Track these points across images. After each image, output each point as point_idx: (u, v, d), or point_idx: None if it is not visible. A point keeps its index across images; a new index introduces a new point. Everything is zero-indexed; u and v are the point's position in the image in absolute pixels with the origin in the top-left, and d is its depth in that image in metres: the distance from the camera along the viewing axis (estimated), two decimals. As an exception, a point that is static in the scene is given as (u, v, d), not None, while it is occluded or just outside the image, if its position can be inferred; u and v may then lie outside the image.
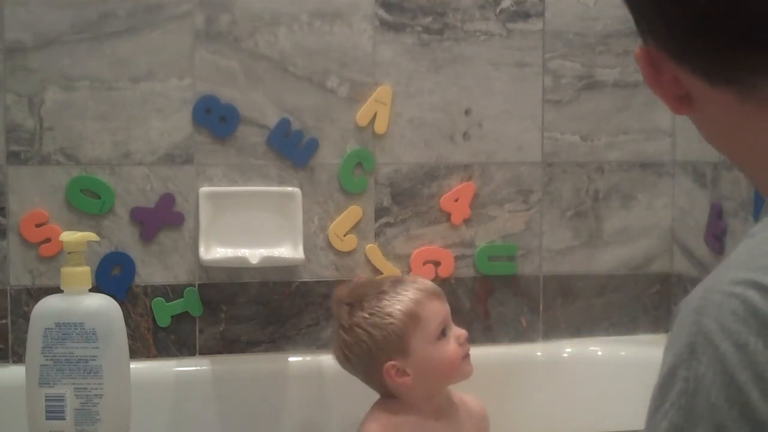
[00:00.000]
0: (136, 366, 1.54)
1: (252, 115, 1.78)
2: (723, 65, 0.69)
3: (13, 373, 1.60)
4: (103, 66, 1.72)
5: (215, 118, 1.76)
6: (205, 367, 1.75)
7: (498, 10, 1.86)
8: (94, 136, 1.73)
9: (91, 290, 1.47)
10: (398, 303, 1.48)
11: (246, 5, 1.77)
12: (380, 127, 1.82)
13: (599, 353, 1.89)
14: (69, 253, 1.46)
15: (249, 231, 1.76)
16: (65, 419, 1.40)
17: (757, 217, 0.71)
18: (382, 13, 1.82)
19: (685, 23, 0.69)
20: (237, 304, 1.79)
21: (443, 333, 1.50)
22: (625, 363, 1.85)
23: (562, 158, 1.91)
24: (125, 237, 1.74)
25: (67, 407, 1.40)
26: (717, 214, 1.78)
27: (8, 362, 1.69)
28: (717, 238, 1.78)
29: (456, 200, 1.86)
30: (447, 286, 1.84)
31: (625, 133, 1.93)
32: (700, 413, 0.60)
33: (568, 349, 1.90)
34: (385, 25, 1.82)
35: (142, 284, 1.75)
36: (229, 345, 1.79)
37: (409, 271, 1.82)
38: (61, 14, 1.70)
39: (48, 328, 1.41)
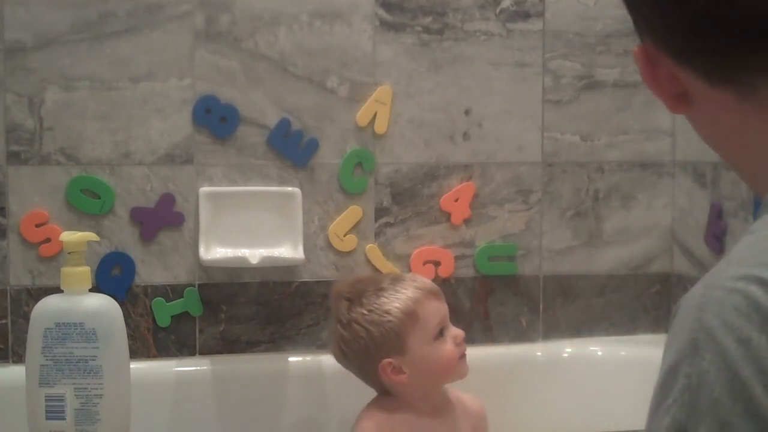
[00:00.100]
0: (136, 366, 1.54)
1: (252, 115, 1.78)
2: (722, 65, 0.69)
3: (13, 373, 1.60)
4: (103, 66, 1.72)
5: (215, 118, 1.76)
6: (205, 367, 1.75)
7: (498, 10, 1.86)
8: (94, 136, 1.73)
9: (91, 290, 1.47)
10: (397, 301, 1.48)
11: (246, 5, 1.77)
12: (380, 127, 1.82)
13: (599, 353, 1.89)
14: (69, 253, 1.46)
15: (249, 231, 1.76)
16: (65, 419, 1.40)
17: (756, 216, 0.71)
18: (382, 13, 1.82)
19: (684, 23, 0.69)
20: (237, 304, 1.79)
21: (441, 332, 1.50)
22: (625, 363, 1.85)
23: (562, 158, 1.91)
24: (125, 237, 1.74)
25: (67, 407, 1.40)
26: (717, 214, 1.78)
27: (8, 362, 1.69)
28: (717, 238, 1.78)
29: (456, 200, 1.86)
30: (447, 286, 1.84)
31: (625, 133, 1.93)
32: (703, 409, 0.60)
33: (568, 349, 1.90)
34: (385, 25, 1.82)
35: (142, 284, 1.75)
36: (229, 345, 1.79)
37: (409, 271, 1.82)
38: (61, 14, 1.70)
39: (48, 328, 1.41)
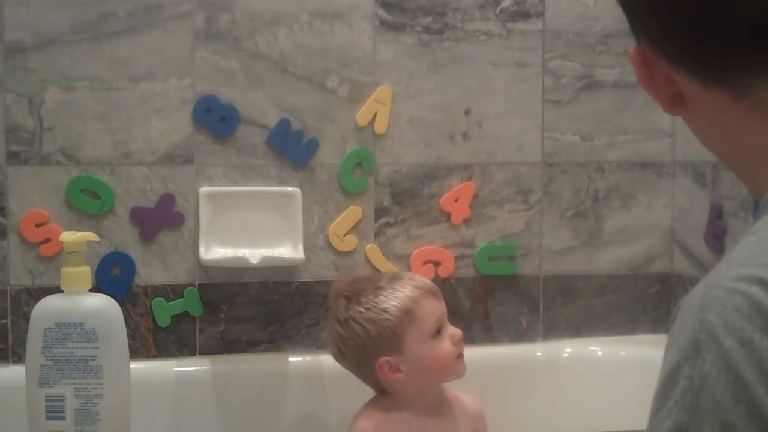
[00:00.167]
0: (136, 366, 1.54)
1: (252, 115, 1.78)
2: (717, 66, 0.69)
3: (13, 373, 1.60)
4: (103, 66, 1.72)
5: (215, 118, 1.76)
6: (205, 367, 1.75)
7: (498, 10, 1.86)
8: (94, 136, 1.73)
9: (91, 290, 1.47)
10: (394, 299, 1.49)
11: (246, 5, 1.77)
12: (380, 127, 1.82)
13: (599, 353, 1.89)
14: (69, 253, 1.46)
15: (249, 231, 1.76)
16: (65, 419, 1.40)
17: (756, 216, 0.71)
18: (382, 13, 1.82)
19: (679, 24, 0.69)
20: (237, 304, 1.79)
21: (438, 331, 1.50)
22: (625, 363, 1.85)
23: (562, 158, 1.91)
24: (125, 237, 1.74)
25: (67, 407, 1.40)
26: (717, 214, 1.78)
27: (8, 362, 1.69)
28: (717, 238, 1.78)
29: (456, 200, 1.86)
30: (447, 286, 1.84)
31: (625, 133, 1.93)
32: (705, 411, 0.59)
33: (568, 349, 1.90)
34: (385, 25, 1.82)
35: (142, 284, 1.75)
36: (229, 345, 1.79)
37: (409, 271, 1.81)
38: (61, 14, 1.70)
39: (48, 328, 1.41)
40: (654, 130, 1.94)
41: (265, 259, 1.72)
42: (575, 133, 1.91)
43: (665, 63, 0.72)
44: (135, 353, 1.68)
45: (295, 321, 1.81)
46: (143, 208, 1.74)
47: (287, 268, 1.79)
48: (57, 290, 1.47)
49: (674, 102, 0.74)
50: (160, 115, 1.75)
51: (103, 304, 1.45)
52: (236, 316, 1.79)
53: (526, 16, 1.87)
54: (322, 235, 1.81)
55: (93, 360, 1.41)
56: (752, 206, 1.68)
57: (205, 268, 1.76)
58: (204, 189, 1.75)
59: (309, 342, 1.81)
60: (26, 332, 1.45)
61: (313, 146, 1.80)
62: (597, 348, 1.90)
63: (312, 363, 1.77)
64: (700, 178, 1.86)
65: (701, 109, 0.73)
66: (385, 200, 1.84)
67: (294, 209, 1.77)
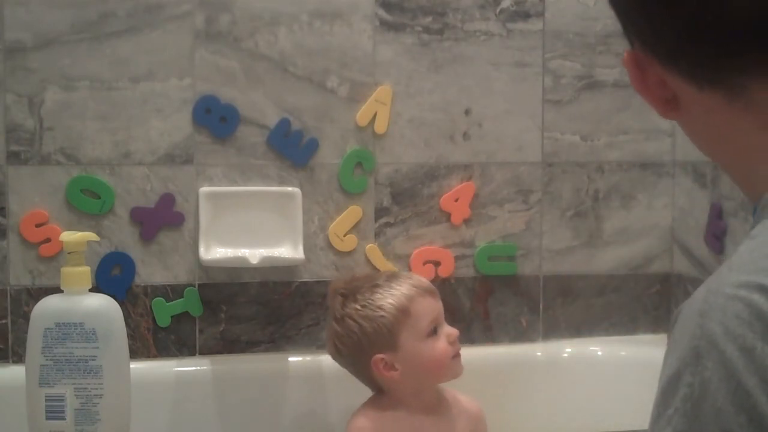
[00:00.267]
0: (136, 366, 1.54)
1: (252, 115, 1.78)
2: (711, 67, 0.69)
3: (13, 373, 1.60)
4: (103, 66, 1.72)
5: (215, 118, 1.76)
6: (205, 367, 1.75)
7: (498, 10, 1.86)
8: (94, 136, 1.73)
9: (91, 290, 1.47)
10: (390, 297, 1.49)
11: (246, 5, 1.77)
12: (380, 127, 1.82)
13: (599, 353, 1.89)
14: (69, 253, 1.46)
15: (249, 231, 1.76)
16: (65, 419, 1.40)
17: (754, 220, 0.71)
18: (382, 13, 1.82)
19: (672, 27, 0.69)
20: (237, 304, 1.79)
21: (434, 331, 1.50)
22: (625, 363, 1.85)
23: (562, 158, 1.91)
24: (125, 237, 1.74)
25: (67, 407, 1.40)
26: (717, 214, 1.78)
27: (8, 362, 1.69)
28: (717, 238, 1.78)
29: (456, 200, 1.86)
30: (447, 286, 1.84)
31: (625, 133, 1.93)
32: (705, 419, 0.59)
33: (568, 349, 1.90)
34: (385, 25, 1.82)
35: (142, 284, 1.75)
36: (229, 345, 1.79)
37: (409, 271, 1.81)
38: (61, 14, 1.70)
39: (48, 328, 1.41)
40: (654, 130, 1.94)
41: (265, 259, 1.72)
42: (575, 133, 1.91)
43: (658, 65, 0.72)
44: (135, 353, 1.68)
45: (295, 321, 1.81)
46: (143, 208, 1.74)
47: (287, 268, 1.79)
48: (57, 290, 1.47)
49: (668, 105, 0.74)
50: (160, 115, 1.75)
51: (103, 304, 1.45)
52: (236, 316, 1.79)
53: (526, 16, 1.87)
54: (322, 235, 1.81)
55: (93, 360, 1.41)
56: (752, 206, 1.68)
57: (205, 268, 1.76)
58: (204, 189, 1.75)
59: (309, 342, 1.81)
60: (26, 332, 1.45)
61: (313, 146, 1.80)
62: (597, 348, 1.90)
63: (312, 363, 1.77)
64: (700, 178, 1.86)
65: (695, 111, 0.73)
66: (385, 200, 1.84)
67: (294, 209, 1.77)
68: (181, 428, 1.72)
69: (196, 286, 1.77)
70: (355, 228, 1.82)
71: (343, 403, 1.66)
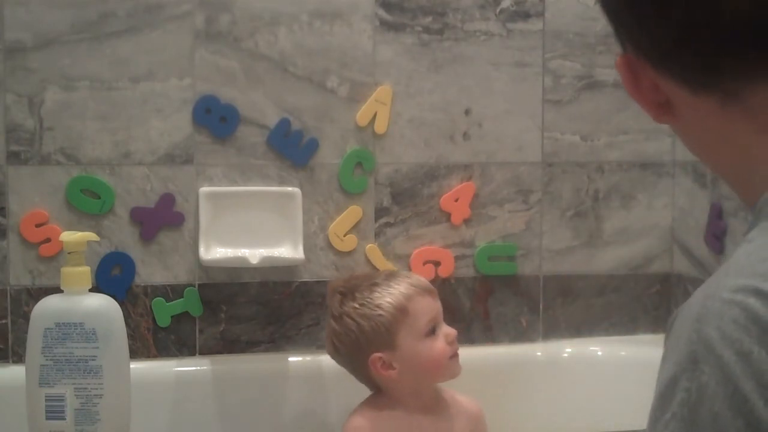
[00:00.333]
0: (136, 366, 1.54)
1: (252, 115, 1.78)
2: (704, 72, 0.69)
3: (13, 373, 1.60)
4: (103, 66, 1.72)
5: (215, 118, 1.76)
6: (205, 367, 1.75)
7: (498, 10, 1.86)
8: (94, 136, 1.73)
9: (91, 290, 1.47)
10: (389, 296, 1.49)
11: (246, 5, 1.77)
12: (380, 127, 1.82)
13: (599, 353, 1.89)
14: (69, 253, 1.46)
15: (249, 231, 1.76)
16: (65, 419, 1.40)
17: (750, 223, 0.70)
18: (382, 13, 1.82)
19: (664, 32, 0.69)
20: (237, 304, 1.79)
21: (433, 331, 1.50)
22: (625, 363, 1.85)
23: (562, 158, 1.91)
24: (125, 237, 1.74)
25: (67, 407, 1.40)
26: (717, 214, 1.78)
27: (8, 362, 1.69)
28: (717, 238, 1.78)
29: (456, 200, 1.86)
30: (447, 286, 1.84)
31: (625, 133, 1.93)
32: (703, 424, 0.59)
33: (568, 349, 1.90)
34: (385, 25, 1.82)
35: (142, 284, 1.75)
36: (229, 345, 1.79)
37: (408, 271, 1.81)
38: (61, 14, 1.70)
39: (48, 328, 1.41)
40: (654, 130, 1.94)
41: (265, 259, 1.72)
42: (575, 133, 1.91)
43: (651, 70, 0.72)
44: (135, 353, 1.68)
45: (295, 321, 1.81)
46: (143, 208, 1.74)
47: (287, 268, 1.79)
48: (57, 290, 1.47)
49: (661, 109, 0.74)
50: (160, 115, 1.75)
51: (103, 304, 1.45)
52: (236, 316, 1.79)
53: (526, 16, 1.87)
54: (322, 235, 1.81)
55: (93, 360, 1.41)
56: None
57: (205, 268, 1.76)
58: (204, 189, 1.75)
59: (309, 342, 1.81)
60: (26, 332, 1.45)
61: (313, 146, 1.80)
62: (597, 348, 1.90)
63: (312, 363, 1.77)
64: (700, 178, 1.86)
65: (689, 115, 0.72)
66: (385, 200, 1.84)
67: (294, 209, 1.77)
68: (181, 428, 1.72)
69: (196, 286, 1.77)
70: (355, 228, 1.82)
71: (343, 403, 1.66)
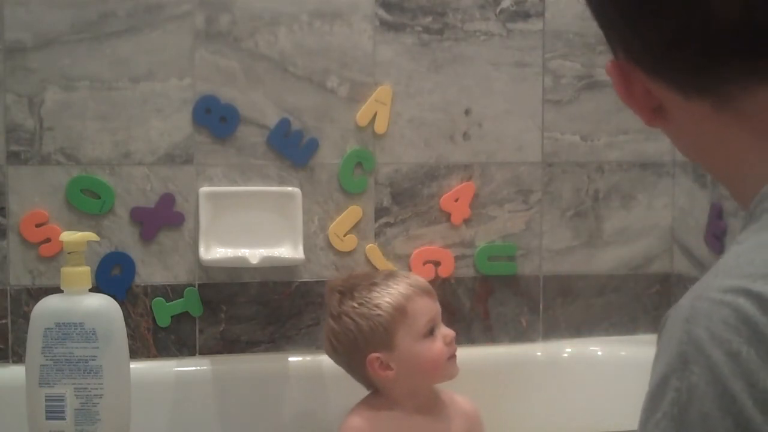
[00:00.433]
0: (136, 366, 1.54)
1: (252, 115, 1.78)
2: (698, 76, 0.69)
3: (13, 373, 1.60)
4: (103, 66, 1.72)
5: (215, 118, 1.76)
6: (205, 367, 1.75)
7: (498, 10, 1.86)
8: (94, 136, 1.73)
9: (91, 290, 1.47)
10: (388, 296, 1.49)
11: (246, 5, 1.77)
12: (380, 127, 1.82)
13: (599, 353, 1.89)
14: (69, 253, 1.46)
15: (249, 231, 1.76)
16: (65, 419, 1.40)
17: (742, 225, 0.71)
18: (382, 13, 1.82)
19: (657, 37, 0.69)
20: (237, 304, 1.79)
21: (431, 331, 1.50)
22: (625, 363, 1.85)
23: (562, 158, 1.91)
24: (125, 237, 1.74)
25: (67, 407, 1.40)
26: (717, 214, 1.78)
27: (8, 362, 1.69)
28: (717, 238, 1.78)
29: (456, 200, 1.86)
30: (447, 286, 1.84)
31: (625, 133, 1.93)
32: (692, 424, 0.59)
33: (568, 349, 1.90)
34: (385, 25, 1.82)
35: (142, 284, 1.75)
36: (229, 345, 1.79)
37: (409, 271, 1.81)
38: (61, 14, 1.70)
39: (48, 328, 1.41)
40: (654, 130, 1.92)
41: (265, 259, 1.72)
42: (575, 133, 1.91)
43: (643, 75, 0.72)
44: (135, 353, 1.68)
45: (295, 321, 1.81)
46: (143, 208, 1.74)
47: (287, 268, 1.79)
48: (57, 290, 1.47)
49: (654, 114, 0.74)
50: (160, 115, 1.75)
51: (103, 304, 1.45)
52: (236, 316, 1.79)
53: (526, 16, 1.87)
54: (322, 235, 1.81)
55: (93, 360, 1.41)
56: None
57: (205, 268, 1.76)
58: (204, 189, 1.75)
59: (309, 342, 1.81)
60: (26, 332, 1.45)
61: (313, 146, 1.80)
62: (597, 348, 1.90)
63: (312, 363, 1.77)
64: (700, 178, 1.86)
65: (682, 120, 0.72)
66: (385, 200, 1.84)
67: (294, 209, 1.77)
68: (181, 428, 1.72)
69: (196, 286, 1.77)
70: (355, 228, 1.82)
71: (342, 403, 1.66)
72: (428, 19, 1.83)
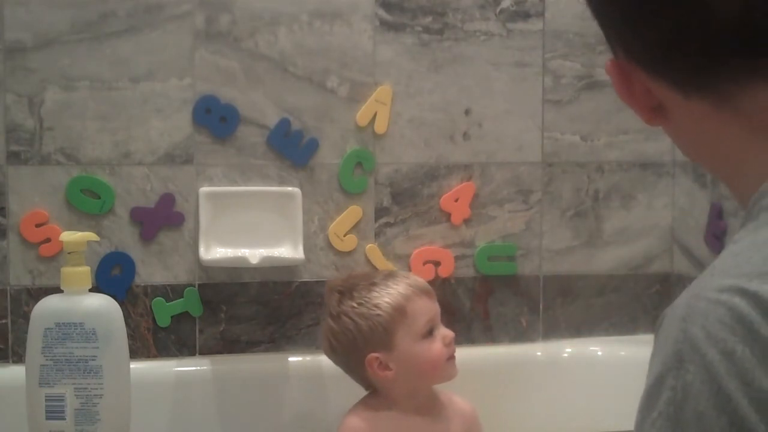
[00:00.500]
0: (136, 366, 1.54)
1: (252, 115, 1.78)
2: (698, 75, 0.69)
3: (13, 373, 1.60)
4: (103, 66, 1.72)
5: (215, 118, 1.76)
6: (205, 367, 1.75)
7: (498, 10, 1.86)
8: (94, 136, 1.73)
9: (91, 290, 1.47)
10: (387, 296, 1.49)
11: (246, 5, 1.77)
12: (380, 127, 1.82)
13: (599, 353, 1.89)
14: (69, 253, 1.46)
15: (249, 231, 1.76)
16: (65, 419, 1.40)
17: (741, 225, 0.71)
18: (382, 13, 1.82)
19: (657, 36, 0.69)
20: (237, 304, 1.79)
21: (430, 332, 1.50)
22: (625, 363, 1.85)
23: (562, 158, 1.91)
24: (125, 237, 1.74)
25: (67, 407, 1.40)
26: (717, 214, 1.78)
27: (8, 362, 1.69)
28: (717, 238, 1.78)
29: (456, 200, 1.86)
30: (447, 286, 1.84)
31: (625, 133, 1.93)
32: (688, 422, 0.59)
33: (568, 349, 1.90)
34: (385, 25, 1.82)
35: (142, 284, 1.75)
36: (229, 345, 1.79)
37: (408, 271, 1.81)
38: (61, 14, 1.70)
39: (48, 328, 1.41)
40: (654, 130, 1.93)
41: (265, 259, 1.72)
42: (575, 133, 1.91)
43: (643, 74, 0.72)
44: (135, 353, 1.68)
45: (295, 321, 1.81)
46: (143, 208, 1.74)
47: (287, 268, 1.79)
48: (57, 290, 1.47)
49: (654, 113, 0.74)
50: (160, 115, 1.75)
51: (103, 304, 1.45)
52: (236, 316, 1.79)
53: (526, 16, 1.87)
54: (322, 235, 1.81)
55: (93, 360, 1.41)
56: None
57: (205, 268, 1.76)
58: (204, 189, 1.75)
59: (309, 342, 1.81)
60: (26, 332, 1.45)
61: (313, 146, 1.80)
62: (597, 348, 1.90)
63: (312, 363, 1.77)
64: (700, 178, 1.86)
65: (682, 119, 0.72)
66: (385, 200, 1.84)
67: (294, 209, 1.77)
68: (181, 428, 1.72)
69: (196, 286, 1.77)
70: (355, 228, 1.82)
71: (342, 404, 1.66)
72: (428, 19, 1.83)
